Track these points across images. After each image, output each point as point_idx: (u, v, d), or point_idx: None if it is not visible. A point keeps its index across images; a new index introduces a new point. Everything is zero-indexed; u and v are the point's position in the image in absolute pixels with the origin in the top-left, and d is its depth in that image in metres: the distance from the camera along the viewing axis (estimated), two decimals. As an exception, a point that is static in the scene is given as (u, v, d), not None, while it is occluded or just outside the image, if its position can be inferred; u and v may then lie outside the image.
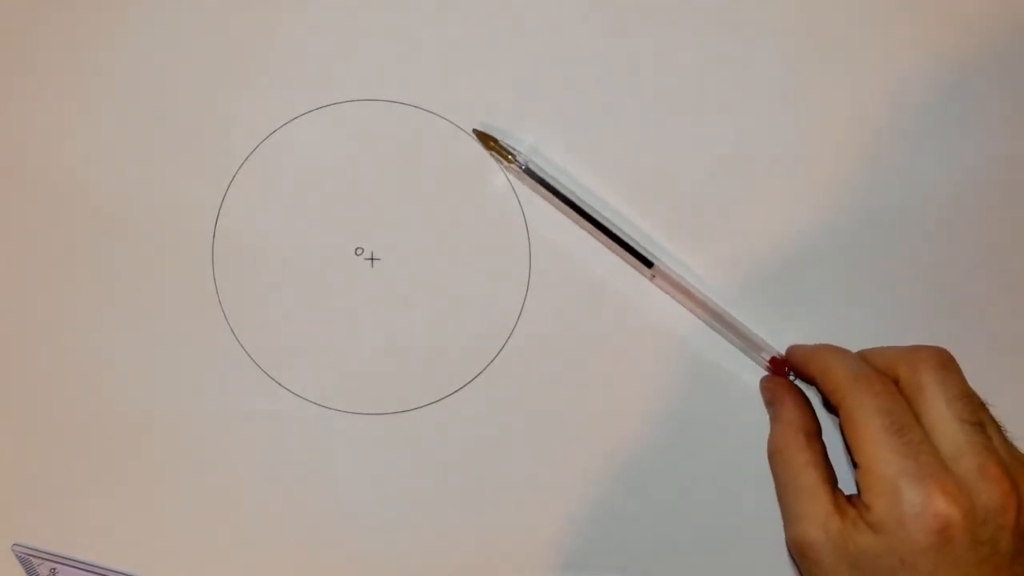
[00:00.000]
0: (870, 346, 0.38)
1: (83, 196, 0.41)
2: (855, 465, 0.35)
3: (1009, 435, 0.36)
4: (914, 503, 0.33)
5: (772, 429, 0.39)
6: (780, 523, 0.38)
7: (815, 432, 0.38)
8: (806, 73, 0.41)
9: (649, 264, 0.40)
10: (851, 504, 0.35)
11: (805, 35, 0.41)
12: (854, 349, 0.39)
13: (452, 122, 0.41)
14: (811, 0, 0.41)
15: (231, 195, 0.41)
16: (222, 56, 0.41)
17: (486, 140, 0.40)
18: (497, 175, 0.41)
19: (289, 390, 0.41)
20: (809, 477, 0.36)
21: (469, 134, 0.41)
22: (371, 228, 0.41)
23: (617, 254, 0.40)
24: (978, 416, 0.34)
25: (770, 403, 0.40)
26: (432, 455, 0.41)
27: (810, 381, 0.39)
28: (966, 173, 0.41)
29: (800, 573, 0.37)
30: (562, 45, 0.41)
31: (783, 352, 0.40)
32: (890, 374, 0.36)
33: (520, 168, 0.40)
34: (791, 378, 0.40)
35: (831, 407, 0.39)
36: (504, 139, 0.40)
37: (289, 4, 0.41)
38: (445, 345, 0.41)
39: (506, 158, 0.40)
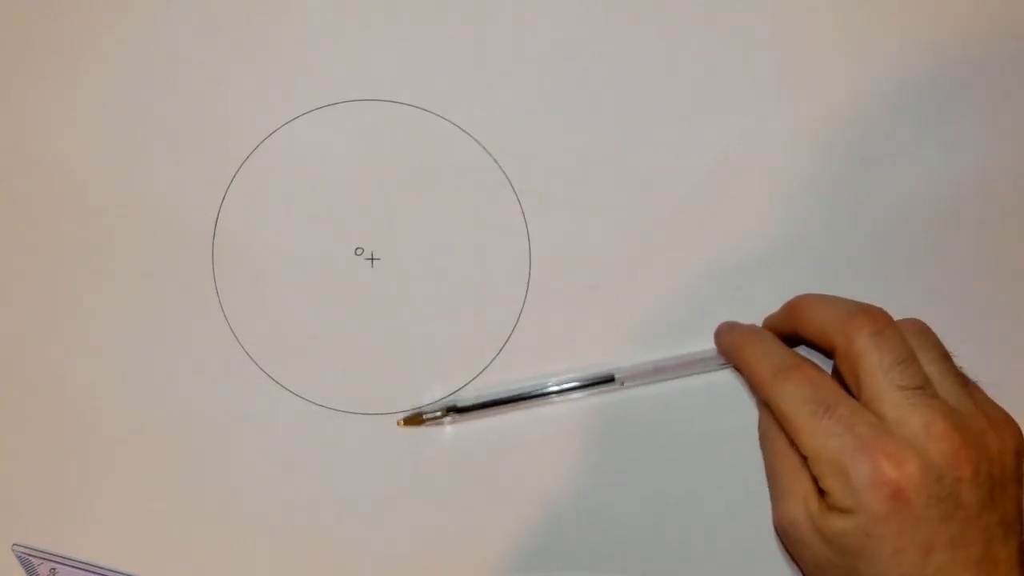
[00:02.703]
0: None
1: (83, 196, 0.41)
2: (804, 459, 0.35)
3: (979, 382, 0.36)
4: (862, 475, 0.33)
5: (759, 414, 0.39)
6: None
7: None
8: (805, 74, 0.41)
9: (612, 379, 0.40)
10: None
11: (804, 36, 0.41)
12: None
13: (452, 122, 0.41)
14: (811, 1, 0.41)
15: (231, 195, 0.41)
16: (222, 56, 0.41)
17: (415, 421, 0.40)
18: (497, 175, 0.41)
19: (289, 390, 0.41)
20: (791, 458, 0.36)
21: (469, 134, 0.41)
22: (371, 228, 0.41)
23: (581, 393, 0.40)
24: (918, 379, 0.34)
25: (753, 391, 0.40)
26: (432, 455, 0.41)
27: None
28: (965, 173, 0.41)
29: (787, 552, 0.38)
30: (561, 45, 0.41)
31: None
32: (826, 343, 0.36)
33: (454, 413, 0.40)
34: None
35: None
36: (423, 401, 0.41)
37: (289, 4, 0.41)
38: (445, 345, 0.41)
39: (441, 419, 0.40)
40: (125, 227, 0.41)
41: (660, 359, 0.40)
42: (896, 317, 0.37)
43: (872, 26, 0.41)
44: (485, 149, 0.41)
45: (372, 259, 0.41)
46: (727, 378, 0.41)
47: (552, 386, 0.40)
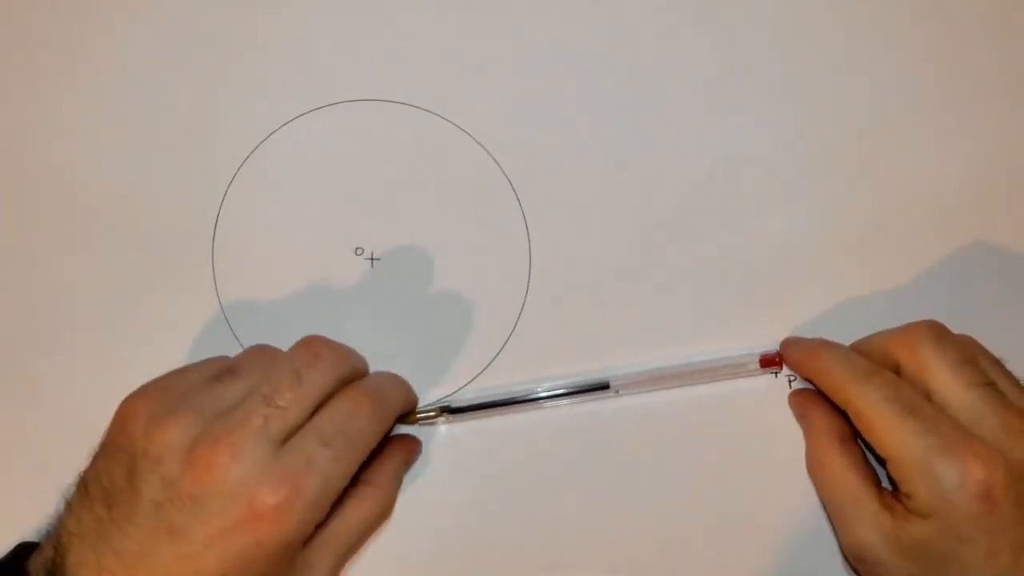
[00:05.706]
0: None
1: (83, 196, 0.41)
2: (881, 461, 0.35)
3: None
4: (952, 476, 0.32)
5: (806, 441, 0.39)
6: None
7: (850, 435, 0.37)
8: (805, 74, 0.41)
9: (607, 386, 0.40)
10: (895, 499, 0.35)
11: (804, 36, 0.41)
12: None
13: (452, 122, 0.41)
14: (810, 1, 0.41)
15: (231, 195, 0.41)
16: (222, 56, 0.41)
17: (409, 418, 0.40)
18: (497, 175, 0.41)
19: (289, 390, 0.41)
20: (851, 481, 0.36)
21: (469, 134, 0.41)
22: (371, 228, 0.41)
23: (575, 400, 0.40)
24: (985, 376, 0.34)
25: (801, 416, 0.39)
26: (431, 455, 0.41)
27: (808, 380, 0.39)
28: (965, 173, 0.41)
29: None
30: (562, 45, 0.41)
31: (765, 350, 0.40)
32: (889, 359, 0.36)
33: (447, 414, 0.40)
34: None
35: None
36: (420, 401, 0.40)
37: (289, 4, 0.41)
38: (444, 346, 0.41)
39: (434, 419, 0.40)
40: (125, 227, 0.41)
41: (656, 367, 0.40)
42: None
43: (872, 26, 0.41)
44: (485, 149, 0.41)
45: (372, 259, 0.41)
46: (722, 389, 0.41)
47: (548, 392, 0.40)
